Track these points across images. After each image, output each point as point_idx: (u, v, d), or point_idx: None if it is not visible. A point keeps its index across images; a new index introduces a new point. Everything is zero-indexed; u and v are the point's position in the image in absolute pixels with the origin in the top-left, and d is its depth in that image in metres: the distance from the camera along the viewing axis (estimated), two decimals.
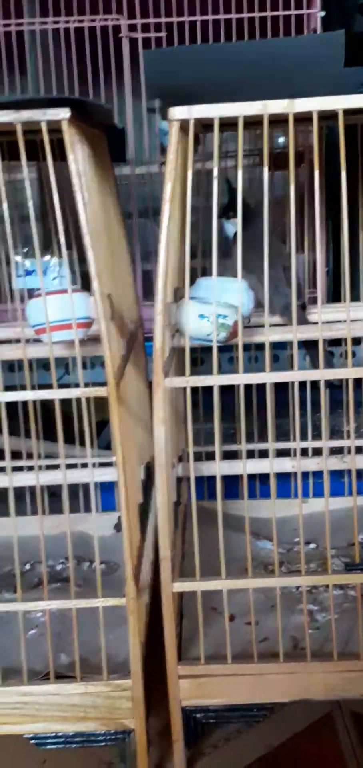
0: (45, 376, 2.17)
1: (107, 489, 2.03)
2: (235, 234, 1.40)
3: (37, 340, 1.51)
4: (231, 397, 1.84)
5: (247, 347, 2.00)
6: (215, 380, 1.36)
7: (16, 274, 1.99)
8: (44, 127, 1.24)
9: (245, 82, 1.28)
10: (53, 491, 1.99)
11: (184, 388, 1.39)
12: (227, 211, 1.83)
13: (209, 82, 1.23)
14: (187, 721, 1.43)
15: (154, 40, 2.25)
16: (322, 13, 2.26)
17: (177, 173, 1.31)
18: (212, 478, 2.00)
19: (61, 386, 1.37)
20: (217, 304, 1.41)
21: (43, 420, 1.94)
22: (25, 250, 2.08)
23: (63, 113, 1.23)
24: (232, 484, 2.02)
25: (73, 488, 1.95)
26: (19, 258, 2.07)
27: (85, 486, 2.07)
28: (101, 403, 2.16)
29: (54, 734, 1.42)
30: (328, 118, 1.32)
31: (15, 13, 2.26)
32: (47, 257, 2.02)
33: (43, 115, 1.24)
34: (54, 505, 2.01)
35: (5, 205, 1.31)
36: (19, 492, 1.90)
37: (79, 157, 1.29)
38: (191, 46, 1.77)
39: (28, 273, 2.00)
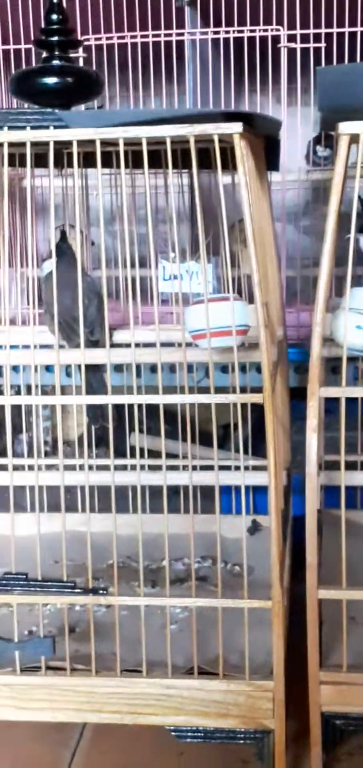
0: (170, 378, 2.21)
1: (238, 491, 2.06)
2: None
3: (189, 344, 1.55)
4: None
5: None
6: None
7: (162, 278, 2.05)
8: (216, 140, 1.28)
9: None
10: (175, 491, 2.03)
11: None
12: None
13: None
14: (326, 726, 1.44)
15: (313, 51, 2.27)
16: None
17: (344, 178, 1.33)
18: (347, 488, 2.00)
19: (200, 390, 1.41)
20: None
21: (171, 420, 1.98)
22: (173, 255, 2.13)
23: (236, 127, 1.27)
24: (353, 494, 2.03)
25: (207, 490, 1.99)
26: (166, 262, 2.12)
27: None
28: (225, 406, 2.20)
29: (195, 728, 1.46)
30: None
31: (176, 24, 2.31)
32: (192, 262, 2.06)
33: (216, 129, 1.28)
34: (186, 506, 2.05)
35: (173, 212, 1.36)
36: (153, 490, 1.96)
37: (247, 170, 1.32)
38: None
39: (175, 277, 2.05)
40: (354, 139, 1.30)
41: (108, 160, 1.47)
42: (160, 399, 1.41)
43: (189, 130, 1.29)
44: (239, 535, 2.00)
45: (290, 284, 2.49)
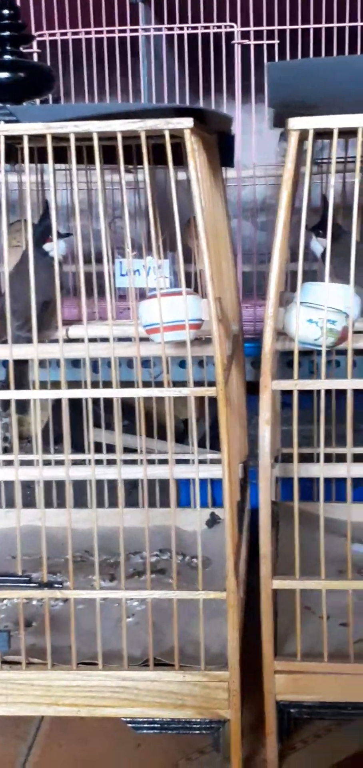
0: (127, 373, 2.22)
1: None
2: (322, 253, 1.42)
3: (144, 338, 1.56)
4: (309, 401, 1.86)
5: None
6: (322, 384, 1.39)
7: (119, 273, 2.05)
8: (167, 135, 1.29)
9: None
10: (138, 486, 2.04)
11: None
12: (317, 228, 1.84)
13: (332, 93, 1.26)
14: (281, 715, 1.46)
15: (267, 48, 2.29)
16: None
17: (294, 174, 1.35)
18: (304, 480, 2.02)
19: (157, 384, 1.42)
20: (327, 310, 1.44)
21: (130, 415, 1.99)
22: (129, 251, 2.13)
23: (186, 122, 1.28)
24: (325, 486, 2.04)
25: (163, 483, 2.00)
26: (123, 258, 2.13)
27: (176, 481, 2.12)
28: (182, 402, 2.20)
29: (151, 719, 1.47)
30: None
31: (131, 20, 2.32)
32: (149, 257, 2.06)
33: (166, 124, 1.29)
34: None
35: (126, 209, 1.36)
36: (113, 484, 1.96)
37: (198, 165, 1.33)
38: (315, 59, 1.80)
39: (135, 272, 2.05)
40: (304, 134, 1.31)
41: (64, 156, 1.47)
42: (115, 393, 1.42)
43: (140, 125, 1.30)
44: (197, 527, 2.02)
45: (248, 279, 2.51)
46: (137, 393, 1.41)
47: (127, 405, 1.91)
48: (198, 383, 2.16)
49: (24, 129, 1.32)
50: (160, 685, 1.45)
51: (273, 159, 2.46)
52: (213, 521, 2.06)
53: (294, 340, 1.43)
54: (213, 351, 1.38)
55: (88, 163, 1.59)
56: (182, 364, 2.13)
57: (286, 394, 1.47)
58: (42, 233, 1.69)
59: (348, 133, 1.35)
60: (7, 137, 1.34)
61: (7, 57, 1.53)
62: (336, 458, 2.05)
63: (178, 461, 2.03)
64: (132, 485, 2.17)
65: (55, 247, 1.48)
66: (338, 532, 1.74)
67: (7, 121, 1.33)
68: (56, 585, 1.46)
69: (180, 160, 1.38)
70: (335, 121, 1.28)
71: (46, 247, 1.69)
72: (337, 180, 1.71)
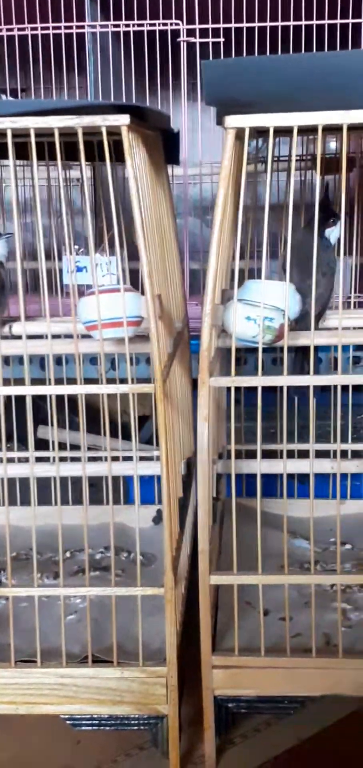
0: (90, 370, 2.22)
1: (146, 482, 2.08)
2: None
3: (87, 336, 1.56)
4: (273, 395, 1.87)
5: (290, 348, 2.03)
6: (259, 381, 1.40)
7: (66, 270, 2.04)
8: (104, 132, 1.29)
9: (301, 92, 1.31)
10: (93, 482, 2.04)
11: (228, 387, 1.43)
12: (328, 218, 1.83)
13: (266, 92, 1.27)
14: (219, 710, 1.47)
15: (212, 45, 2.30)
16: None
17: (231, 178, 1.35)
18: (251, 476, 2.04)
19: (107, 381, 1.42)
20: (264, 307, 1.45)
21: (86, 411, 1.99)
22: (77, 247, 2.13)
23: (123, 119, 1.28)
24: (270, 482, 2.06)
25: (113, 480, 1.99)
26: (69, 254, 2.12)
27: (124, 478, 2.12)
28: (143, 398, 2.21)
29: (89, 716, 1.47)
30: None
31: (76, 16, 2.31)
32: (97, 254, 2.06)
33: (103, 121, 1.29)
34: (93, 496, 2.06)
35: (64, 205, 1.36)
36: (62, 482, 1.96)
37: (136, 162, 1.33)
38: (249, 57, 1.81)
39: (79, 270, 2.04)
40: (239, 133, 1.32)
41: (24, 152, 1.46)
42: (52, 390, 1.42)
43: (76, 122, 1.30)
44: (143, 524, 2.03)
45: (196, 277, 2.52)
46: (75, 390, 1.41)
47: (75, 401, 1.91)
48: (145, 380, 2.17)
49: None
50: (99, 682, 1.45)
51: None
52: (159, 518, 2.06)
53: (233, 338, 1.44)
54: (150, 349, 1.38)
55: (48, 159, 1.59)
56: (130, 360, 2.13)
57: (251, 391, 1.48)
58: None
59: (285, 132, 1.36)
60: None
61: None
62: (298, 454, 2.08)
63: (126, 458, 2.03)
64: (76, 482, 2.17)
65: None
66: (282, 527, 1.76)
67: None
68: None
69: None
70: (270, 120, 1.29)
71: None
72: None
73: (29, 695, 1.46)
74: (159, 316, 1.42)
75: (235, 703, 1.47)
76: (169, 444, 1.44)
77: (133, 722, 1.47)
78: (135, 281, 1.75)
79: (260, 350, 1.41)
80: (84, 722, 1.47)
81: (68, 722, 1.47)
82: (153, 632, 1.53)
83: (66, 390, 1.46)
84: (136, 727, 1.47)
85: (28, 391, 1.43)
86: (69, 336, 1.67)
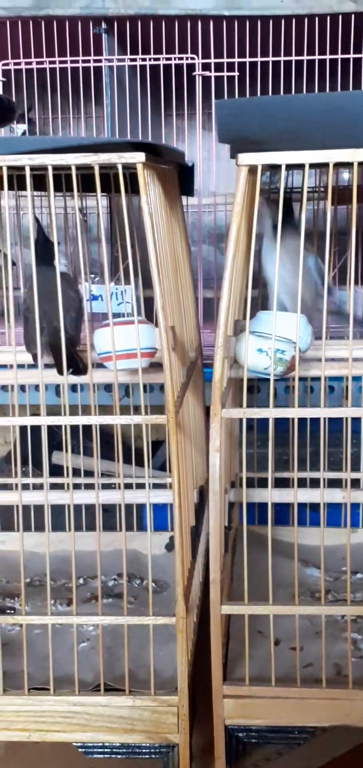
0: (104, 397, 2.25)
1: (159, 508, 2.09)
2: None
3: (101, 364, 1.59)
4: (285, 423, 1.88)
5: (303, 377, 2.05)
6: (271, 413, 1.42)
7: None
8: (120, 169, 1.32)
9: (311, 129, 1.33)
10: (107, 508, 2.06)
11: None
12: None
13: (276, 130, 1.29)
14: (230, 739, 1.48)
15: (227, 79, 2.33)
16: None
17: (244, 211, 1.38)
18: (262, 504, 2.05)
19: (121, 408, 1.44)
20: (276, 339, 1.46)
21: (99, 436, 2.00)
22: (93, 276, 2.16)
23: (138, 157, 1.31)
24: (281, 509, 2.07)
25: (127, 506, 2.01)
26: (85, 283, 2.15)
27: (137, 504, 2.14)
28: (156, 424, 2.21)
29: (101, 744, 1.48)
30: None
31: (94, 50, 2.36)
32: (112, 284, 2.09)
33: (119, 158, 1.31)
34: (107, 521, 2.08)
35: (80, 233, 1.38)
36: (75, 508, 1.97)
37: (151, 198, 1.36)
38: (259, 97, 1.85)
39: (94, 298, 2.07)
40: (253, 168, 1.34)
41: (41, 183, 1.49)
42: (67, 420, 1.44)
43: (93, 159, 1.32)
44: (157, 551, 2.04)
45: (211, 305, 2.54)
46: (90, 420, 1.43)
47: (90, 427, 1.93)
48: (159, 407, 2.18)
49: None
50: (111, 710, 1.46)
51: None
52: (172, 545, 2.08)
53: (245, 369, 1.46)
54: (164, 380, 1.40)
55: (65, 190, 1.62)
56: (144, 387, 2.15)
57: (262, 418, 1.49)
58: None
59: (298, 165, 1.38)
60: None
61: None
62: (310, 482, 2.08)
63: (139, 485, 2.05)
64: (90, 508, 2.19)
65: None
66: (294, 555, 1.77)
67: None
68: (8, 611, 1.47)
69: None
70: (282, 158, 1.31)
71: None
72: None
73: (42, 723, 1.47)
74: (172, 348, 1.44)
75: (246, 732, 1.48)
76: (182, 474, 1.45)
77: (144, 751, 1.48)
78: (149, 309, 1.78)
79: (272, 382, 1.43)
80: (96, 750, 1.48)
81: (80, 750, 1.48)
82: (164, 660, 1.55)
83: (81, 420, 1.48)
84: (147, 756, 1.48)
85: (44, 421, 1.45)
86: None
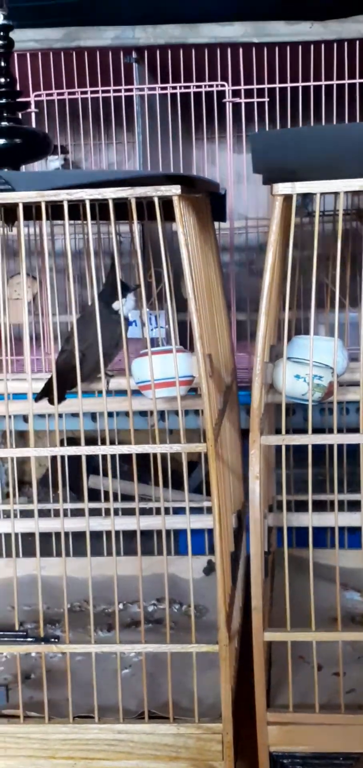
0: (140, 421, 2.26)
1: (196, 531, 2.09)
2: None
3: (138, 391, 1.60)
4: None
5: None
6: (310, 440, 1.42)
7: None
8: (156, 202, 1.34)
9: (343, 157, 1.35)
10: (143, 531, 2.06)
11: None
12: None
13: (309, 159, 1.31)
14: (274, 766, 1.48)
15: (257, 104, 2.35)
16: None
17: (279, 236, 1.39)
18: (300, 526, 2.05)
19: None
20: (313, 365, 1.47)
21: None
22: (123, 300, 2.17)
23: (174, 190, 1.33)
24: (319, 531, 2.06)
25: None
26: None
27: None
28: None
29: None
30: None
31: (125, 79, 2.39)
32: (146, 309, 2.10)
33: (155, 191, 1.33)
34: (143, 545, 2.07)
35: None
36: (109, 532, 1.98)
37: (187, 229, 1.37)
38: (292, 129, 1.87)
39: (129, 323, 2.09)
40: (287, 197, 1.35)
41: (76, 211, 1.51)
42: (106, 450, 1.45)
43: (130, 193, 1.34)
44: (195, 575, 2.05)
45: (244, 327, 2.55)
46: (129, 449, 1.45)
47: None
48: (194, 431, 2.19)
49: (19, 198, 1.36)
50: (155, 738, 1.47)
51: (266, 205, 2.51)
52: (210, 569, 2.08)
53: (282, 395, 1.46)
54: (202, 407, 1.41)
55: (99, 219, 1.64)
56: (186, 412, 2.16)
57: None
58: (111, 293, 1.66)
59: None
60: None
61: (4, 124, 1.58)
62: (348, 504, 2.08)
63: (176, 510, 2.06)
64: (133, 532, 2.19)
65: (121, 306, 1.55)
66: (334, 578, 1.76)
67: (2, 189, 1.37)
68: (53, 639, 1.48)
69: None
70: (317, 187, 1.32)
71: (115, 305, 1.65)
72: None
73: (87, 750, 1.48)
74: (210, 375, 1.45)
75: (291, 759, 1.48)
76: (221, 500, 1.46)
77: None
78: (183, 332, 1.79)
79: (310, 409, 1.43)
80: None
81: None
82: (207, 687, 1.55)
83: (120, 450, 1.49)
84: None
85: (84, 451, 1.46)
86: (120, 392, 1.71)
